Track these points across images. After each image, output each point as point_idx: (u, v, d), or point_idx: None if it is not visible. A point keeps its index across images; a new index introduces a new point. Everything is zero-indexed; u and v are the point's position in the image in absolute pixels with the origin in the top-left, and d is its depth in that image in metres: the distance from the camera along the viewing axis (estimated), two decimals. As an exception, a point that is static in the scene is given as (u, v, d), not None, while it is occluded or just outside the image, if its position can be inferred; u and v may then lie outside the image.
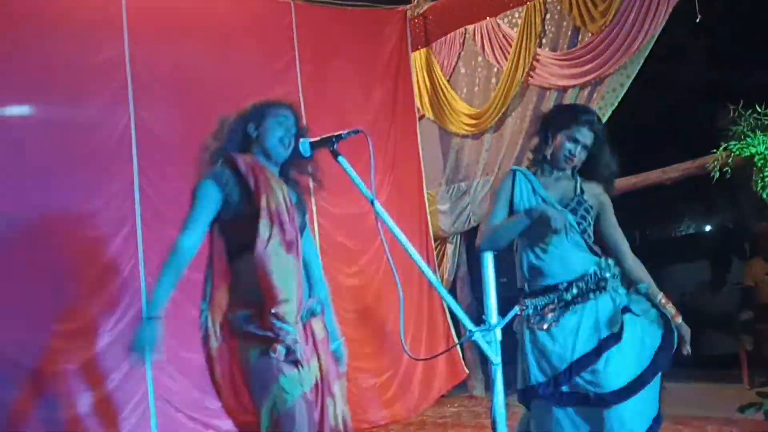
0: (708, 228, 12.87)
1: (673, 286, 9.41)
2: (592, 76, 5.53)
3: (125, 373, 4.75)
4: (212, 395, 5.00)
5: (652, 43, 5.28)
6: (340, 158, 2.59)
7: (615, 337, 2.95)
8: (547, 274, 3.08)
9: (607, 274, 3.07)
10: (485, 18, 6.33)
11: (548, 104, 5.83)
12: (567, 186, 3.23)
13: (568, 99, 5.71)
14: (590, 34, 5.54)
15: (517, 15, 6.09)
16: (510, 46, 6.05)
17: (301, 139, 2.69)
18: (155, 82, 5.14)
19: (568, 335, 2.99)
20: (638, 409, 2.91)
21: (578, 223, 3.11)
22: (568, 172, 3.23)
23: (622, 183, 5.92)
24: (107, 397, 4.65)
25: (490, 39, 6.28)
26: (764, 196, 4.99)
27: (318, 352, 2.89)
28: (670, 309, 3.08)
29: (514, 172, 3.22)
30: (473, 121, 6.41)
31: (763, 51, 7.74)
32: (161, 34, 5.22)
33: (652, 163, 5.84)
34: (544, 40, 5.89)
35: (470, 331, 2.45)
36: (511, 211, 3.15)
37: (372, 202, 2.50)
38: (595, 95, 5.60)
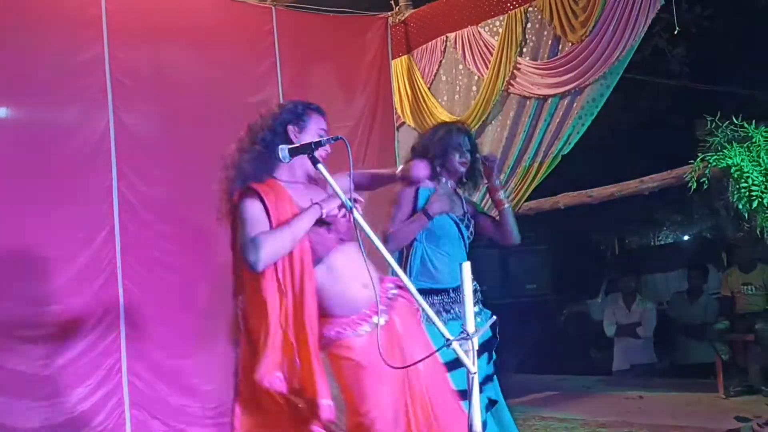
0: (686, 238, 12.97)
1: (651, 295, 9.50)
2: (572, 85, 5.55)
3: (100, 380, 4.71)
4: (191, 402, 5.00)
5: (632, 53, 5.31)
6: (318, 165, 2.58)
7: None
8: (436, 277, 3.45)
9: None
10: (466, 26, 6.34)
11: (528, 113, 5.85)
12: (457, 202, 3.66)
13: (548, 108, 5.74)
14: (570, 44, 5.56)
15: (498, 23, 6.10)
16: (491, 54, 6.06)
17: (280, 146, 2.68)
18: (135, 85, 5.10)
19: None
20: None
21: (468, 237, 3.59)
22: (453, 187, 3.66)
23: (601, 192, 5.98)
24: (81, 403, 4.60)
25: (471, 47, 6.29)
26: (740, 206, 5.04)
27: None
28: None
29: None
30: (454, 129, 6.41)
31: (740, 63, 7.83)
32: (141, 37, 5.18)
33: (630, 172, 5.88)
34: (524, 49, 5.91)
35: (448, 339, 2.44)
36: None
37: (350, 210, 2.50)
38: (575, 104, 5.62)
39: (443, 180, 3.62)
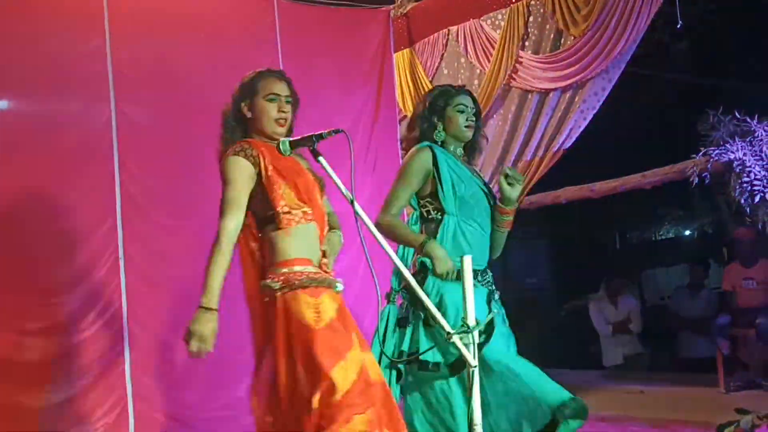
0: (687, 232, 12.96)
1: (653, 290, 9.50)
2: (574, 79, 5.55)
3: (102, 372, 4.72)
4: (194, 395, 4.99)
5: (634, 47, 5.31)
6: (320, 158, 2.58)
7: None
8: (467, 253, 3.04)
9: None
10: (468, 19, 6.33)
11: (530, 106, 5.84)
12: (474, 172, 3.31)
13: (550, 102, 5.74)
14: (573, 38, 5.55)
15: (500, 17, 6.09)
16: (493, 47, 6.05)
17: (281, 139, 2.68)
18: (137, 77, 5.09)
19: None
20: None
21: (492, 209, 3.23)
22: (461, 155, 3.27)
23: (602, 187, 5.99)
24: (82, 396, 4.60)
25: (473, 40, 6.28)
26: (742, 201, 5.04)
27: None
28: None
29: (430, 146, 3.19)
30: (455, 123, 6.41)
31: (743, 57, 7.82)
32: (143, 29, 5.17)
33: (632, 167, 5.88)
34: (526, 43, 5.90)
35: (448, 333, 2.45)
36: (436, 185, 3.13)
37: (351, 203, 2.50)
38: (576, 98, 5.62)
39: (451, 148, 3.23)
